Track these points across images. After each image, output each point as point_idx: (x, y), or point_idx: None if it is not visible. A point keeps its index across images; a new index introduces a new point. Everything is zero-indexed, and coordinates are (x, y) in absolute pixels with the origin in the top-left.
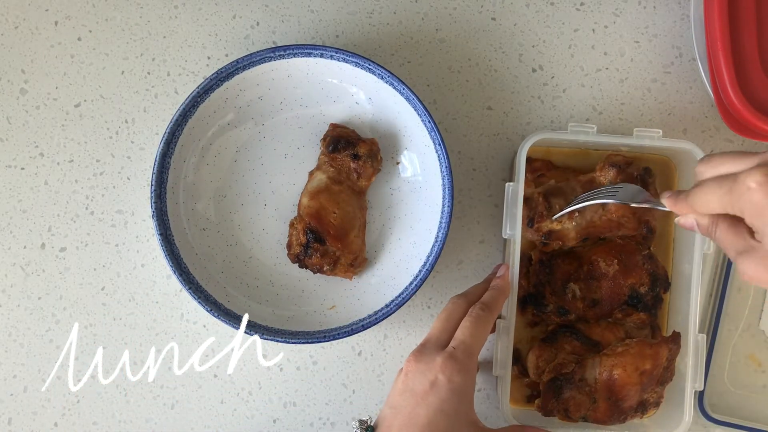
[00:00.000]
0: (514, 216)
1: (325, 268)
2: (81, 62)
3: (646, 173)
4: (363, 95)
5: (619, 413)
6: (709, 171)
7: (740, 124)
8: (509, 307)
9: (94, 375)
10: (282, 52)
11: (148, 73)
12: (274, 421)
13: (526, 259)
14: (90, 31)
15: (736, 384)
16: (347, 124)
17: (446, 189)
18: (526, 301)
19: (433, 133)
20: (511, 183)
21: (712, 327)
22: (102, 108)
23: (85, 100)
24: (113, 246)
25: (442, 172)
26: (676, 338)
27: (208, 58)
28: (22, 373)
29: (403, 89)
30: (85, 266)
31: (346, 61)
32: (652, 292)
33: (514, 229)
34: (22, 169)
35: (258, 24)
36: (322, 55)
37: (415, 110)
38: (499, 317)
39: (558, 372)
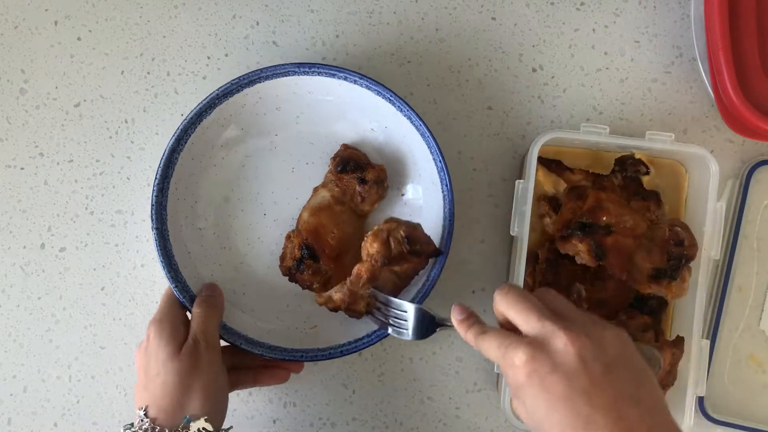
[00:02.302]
0: (522, 214)
1: (314, 286)
2: (81, 62)
3: (411, 241)
4: (380, 123)
5: None
6: (503, 309)
7: (740, 123)
8: None
9: (94, 375)
10: (307, 69)
11: (148, 73)
12: (274, 421)
13: (532, 258)
14: (90, 31)
15: (737, 384)
16: (359, 146)
17: (446, 231)
18: None
19: (442, 173)
20: (521, 180)
21: (713, 327)
22: (102, 108)
23: (84, 100)
24: (113, 246)
25: (444, 213)
26: (679, 343)
27: (208, 57)
28: (22, 373)
29: (420, 125)
30: (85, 266)
31: (369, 88)
32: (658, 295)
33: (522, 227)
34: (22, 169)
35: (258, 24)
36: (346, 78)
37: (429, 148)
38: None
39: None
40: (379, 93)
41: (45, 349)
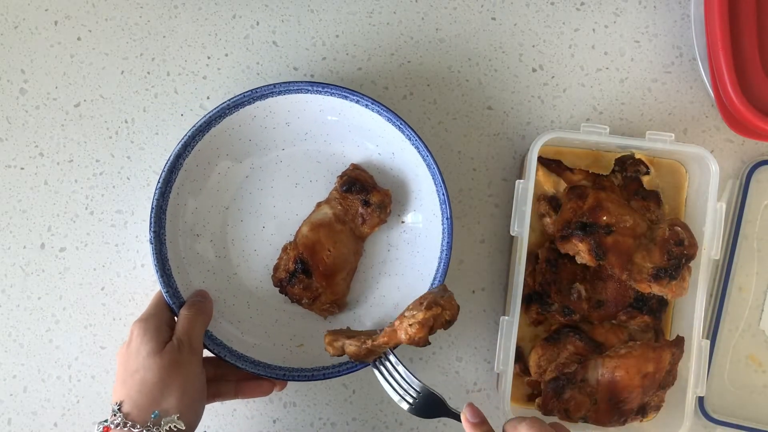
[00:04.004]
0: (522, 214)
1: (303, 301)
2: (81, 62)
3: (451, 322)
4: (387, 148)
5: (619, 415)
6: None
7: (740, 123)
8: (513, 305)
9: (94, 375)
10: (320, 89)
11: (148, 73)
12: (274, 421)
13: (532, 258)
14: (90, 31)
15: (737, 384)
16: (364, 168)
17: (441, 263)
18: (530, 300)
19: (444, 206)
20: (521, 180)
21: (713, 327)
22: (102, 108)
23: (84, 100)
24: (113, 246)
25: (442, 245)
26: (679, 343)
27: (208, 57)
28: (22, 373)
29: (427, 156)
30: (85, 266)
31: (380, 114)
32: (658, 295)
33: (522, 226)
34: (22, 169)
35: (258, 24)
36: (358, 102)
37: (433, 179)
38: (504, 315)
39: (560, 372)
40: (389, 119)
41: (45, 349)
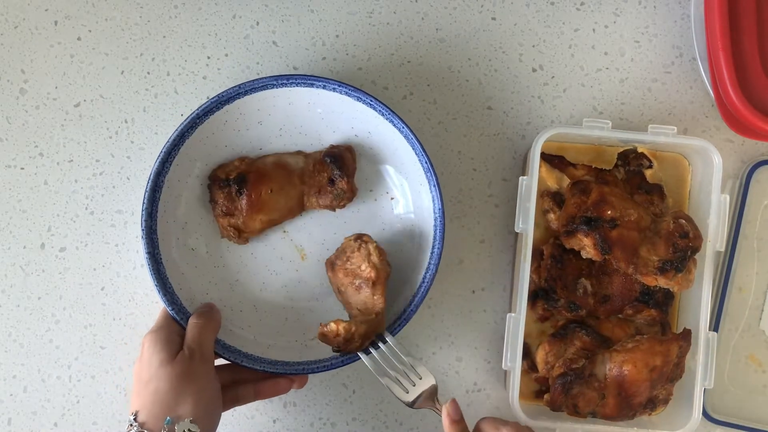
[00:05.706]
0: (527, 210)
1: (218, 206)
2: (81, 62)
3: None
4: (363, 128)
5: (628, 409)
6: None
7: (740, 123)
8: (520, 302)
9: (94, 375)
10: (285, 81)
11: (148, 73)
12: (274, 421)
13: (537, 254)
14: (90, 31)
15: (737, 384)
16: None
17: (437, 230)
18: (536, 296)
19: (429, 174)
20: (525, 177)
21: (713, 327)
22: (102, 108)
23: (84, 100)
24: (113, 246)
25: (435, 212)
26: (686, 335)
27: (208, 57)
28: (22, 373)
29: (403, 128)
30: (85, 266)
31: (348, 95)
32: (664, 288)
33: (526, 223)
34: (22, 169)
35: (258, 24)
36: (324, 87)
37: (413, 149)
38: (510, 311)
39: (568, 367)
40: (359, 99)
41: (45, 349)
